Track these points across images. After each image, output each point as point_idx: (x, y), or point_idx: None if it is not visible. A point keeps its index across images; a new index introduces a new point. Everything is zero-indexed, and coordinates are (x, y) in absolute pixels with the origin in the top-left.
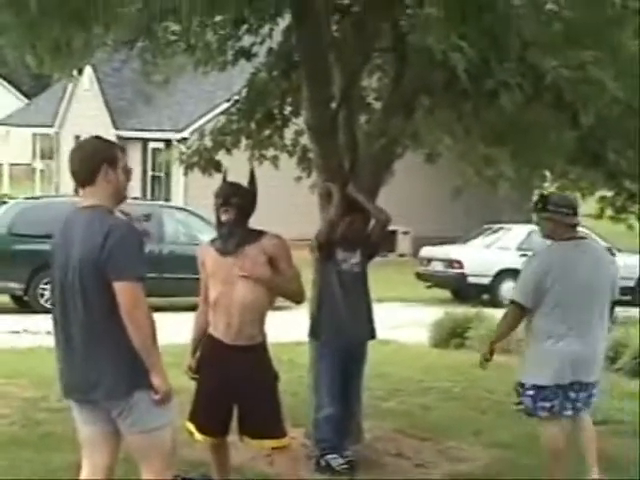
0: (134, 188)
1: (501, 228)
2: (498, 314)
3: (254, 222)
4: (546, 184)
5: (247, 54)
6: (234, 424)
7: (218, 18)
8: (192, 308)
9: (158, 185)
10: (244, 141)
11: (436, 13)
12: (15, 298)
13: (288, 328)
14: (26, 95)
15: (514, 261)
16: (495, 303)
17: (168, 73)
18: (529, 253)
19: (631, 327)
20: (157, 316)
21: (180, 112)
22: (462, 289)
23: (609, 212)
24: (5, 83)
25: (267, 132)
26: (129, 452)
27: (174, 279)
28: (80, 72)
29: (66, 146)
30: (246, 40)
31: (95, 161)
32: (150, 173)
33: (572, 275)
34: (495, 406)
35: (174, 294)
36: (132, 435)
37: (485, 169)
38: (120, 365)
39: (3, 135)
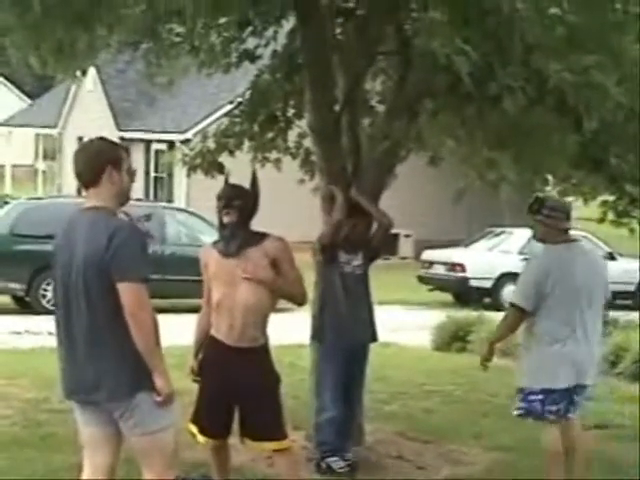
0: (136, 189)
1: (503, 232)
2: (500, 317)
3: (256, 224)
4: (548, 188)
5: (251, 56)
6: (235, 426)
7: (222, 20)
8: (194, 310)
9: (160, 186)
10: (247, 143)
11: (440, 17)
12: (16, 299)
13: (290, 330)
14: (29, 96)
15: (516, 265)
16: (497, 306)
17: (172, 75)
18: (530, 256)
19: (632, 331)
20: (159, 318)
21: (183, 114)
22: (464, 292)
23: (611, 216)
24: (8, 83)
25: (270, 134)
26: (131, 453)
27: (176, 281)
28: (84, 73)
29: (69, 147)
30: (250, 42)
31: (100, 162)
32: (153, 174)
33: (570, 277)
34: (496, 409)
35: (176, 296)
36: (134, 437)
37: (488, 172)
38: (123, 366)
39: (6, 136)
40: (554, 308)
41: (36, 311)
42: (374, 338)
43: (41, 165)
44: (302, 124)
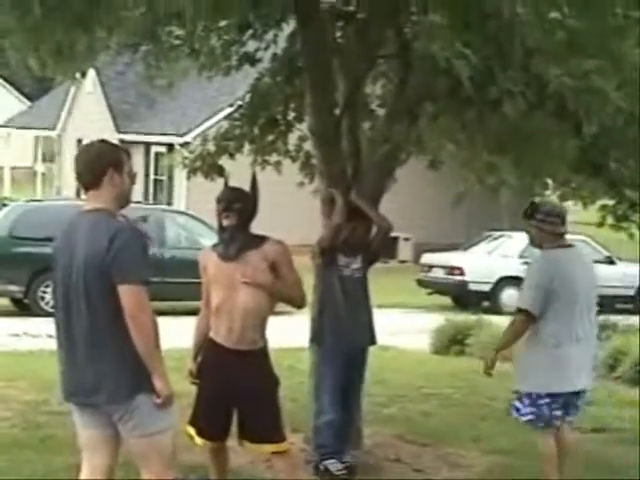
0: (136, 192)
1: (502, 235)
2: (499, 321)
3: (255, 228)
4: (548, 192)
5: (251, 59)
6: (234, 428)
7: (222, 23)
8: (193, 312)
9: (160, 189)
10: (247, 146)
11: (440, 20)
12: (15, 301)
13: (289, 333)
14: (28, 97)
15: (515, 268)
16: (496, 310)
17: (172, 77)
18: (530, 261)
19: (631, 335)
20: (159, 320)
21: (183, 116)
22: (463, 296)
23: (610, 220)
24: (7, 85)
25: (270, 137)
26: (129, 456)
27: (175, 283)
28: (83, 75)
29: (68, 149)
30: (250, 45)
31: (101, 164)
32: (152, 177)
33: (571, 281)
34: (495, 413)
35: (175, 298)
36: (133, 439)
37: (487, 176)
38: (123, 368)
39: (5, 137)
40: (559, 312)
41: (35, 313)
42: (373, 341)
43: (40, 167)
44: (302, 127)
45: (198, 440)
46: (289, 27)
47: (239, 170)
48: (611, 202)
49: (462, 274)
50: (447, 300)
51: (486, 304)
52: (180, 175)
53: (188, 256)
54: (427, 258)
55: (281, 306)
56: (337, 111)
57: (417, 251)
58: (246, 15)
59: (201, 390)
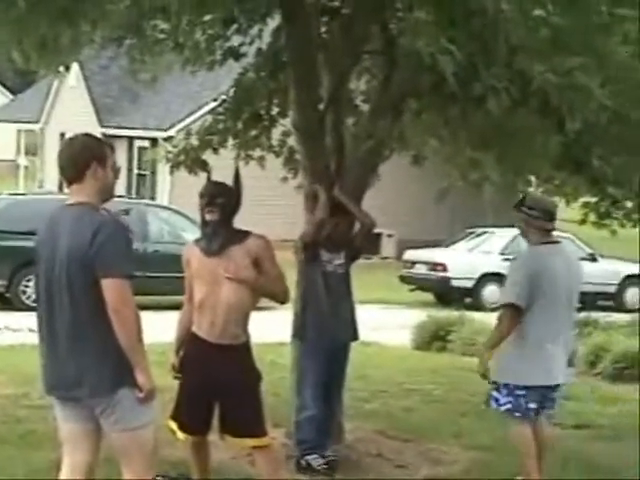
0: (119, 186)
1: (485, 232)
2: (481, 317)
3: (238, 222)
4: (531, 189)
5: (236, 54)
6: (215, 423)
7: (207, 17)
8: (176, 307)
9: (143, 183)
10: (231, 141)
11: (425, 17)
12: None
13: (271, 328)
14: (11, 91)
15: (497, 265)
16: (478, 307)
17: (156, 71)
18: (512, 257)
19: (612, 332)
20: (141, 315)
21: (166, 111)
22: (445, 292)
23: (592, 218)
24: None
25: (254, 132)
26: (110, 452)
27: (158, 278)
28: (67, 69)
29: (51, 143)
30: (235, 40)
31: (84, 158)
32: (135, 171)
33: (554, 278)
34: (476, 409)
35: (158, 293)
36: (115, 433)
37: (471, 173)
38: (105, 362)
39: None
40: (542, 307)
41: (16, 308)
42: (355, 337)
43: (23, 161)
44: (286, 122)
45: (180, 434)
46: (274, 22)
47: (223, 164)
48: (593, 199)
49: (444, 270)
50: (429, 296)
51: (468, 300)
52: (163, 170)
53: (171, 251)
54: (410, 254)
55: (264, 301)
56: (321, 106)
57: (400, 247)
58: (231, 9)
59: (183, 384)
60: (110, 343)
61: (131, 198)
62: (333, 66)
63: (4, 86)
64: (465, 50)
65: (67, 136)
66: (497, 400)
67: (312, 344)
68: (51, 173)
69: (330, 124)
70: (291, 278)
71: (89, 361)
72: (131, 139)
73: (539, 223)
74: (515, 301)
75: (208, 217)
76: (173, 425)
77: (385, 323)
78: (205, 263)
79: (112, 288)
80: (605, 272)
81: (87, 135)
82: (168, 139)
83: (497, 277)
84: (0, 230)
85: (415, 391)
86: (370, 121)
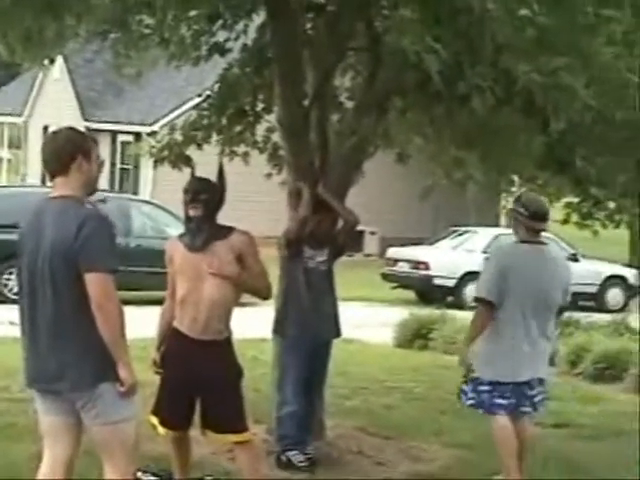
0: (102, 180)
1: (468, 231)
2: (462, 316)
3: (222, 218)
4: (514, 189)
5: (221, 50)
6: (196, 418)
7: (193, 12)
8: (158, 302)
9: (126, 178)
10: (215, 136)
11: (411, 15)
12: None
13: (253, 325)
14: None
15: (479, 264)
16: (460, 305)
17: (140, 66)
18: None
19: (593, 332)
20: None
21: (151, 106)
22: (427, 291)
23: (575, 218)
24: None
25: (238, 128)
26: (91, 446)
27: (140, 273)
28: (52, 62)
29: (34, 136)
30: (220, 35)
31: (69, 151)
32: (119, 166)
33: (524, 277)
34: (456, 407)
35: (140, 288)
36: (96, 427)
37: (455, 171)
38: (87, 356)
39: None
40: (512, 305)
41: None
42: (338, 334)
43: (6, 154)
44: (271, 118)
45: (161, 430)
46: (259, 18)
47: (207, 160)
48: (576, 200)
49: (427, 269)
50: (411, 294)
51: (450, 299)
52: (146, 164)
53: (153, 246)
54: (392, 252)
55: (246, 297)
56: (306, 103)
57: (383, 245)
58: (216, 5)
59: (164, 379)
60: (92, 337)
61: (114, 192)
62: (318, 62)
63: None
64: (450, 49)
65: (50, 129)
66: (465, 394)
67: (293, 340)
68: (34, 166)
69: (314, 120)
70: (274, 274)
71: (71, 355)
72: (115, 133)
73: (528, 222)
74: (486, 296)
75: (192, 213)
76: (154, 420)
77: (367, 321)
78: (188, 258)
79: (95, 282)
80: (587, 272)
81: (71, 129)
82: (152, 134)
83: (479, 276)
84: None
85: (396, 389)
86: (354, 118)
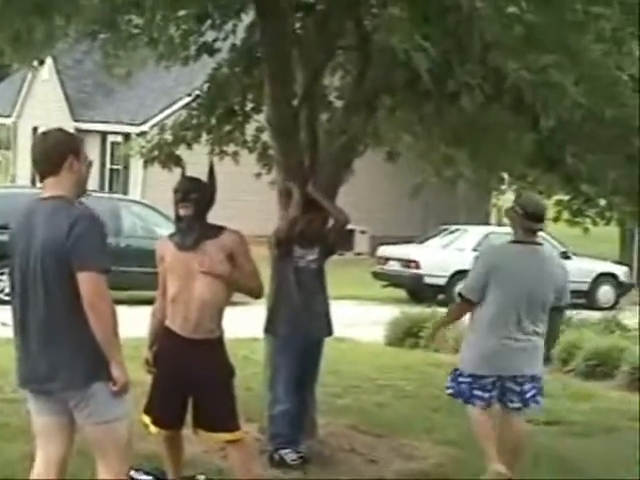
0: (92, 181)
1: (458, 229)
2: None
3: (212, 218)
4: (503, 187)
5: (210, 49)
6: (188, 417)
7: (181, 12)
8: (149, 302)
9: (116, 178)
10: (205, 136)
11: (400, 13)
12: None
13: (244, 324)
14: None
15: (470, 262)
16: (450, 303)
17: (130, 66)
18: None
19: (584, 330)
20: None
21: (140, 106)
22: (418, 289)
23: (565, 215)
24: None
25: (228, 128)
26: (84, 445)
27: (131, 273)
28: (41, 63)
29: (23, 137)
30: (209, 35)
31: (61, 152)
32: (108, 166)
33: (511, 276)
34: (448, 405)
35: (131, 288)
36: (89, 426)
37: (445, 169)
38: (79, 356)
39: None
40: (504, 303)
41: None
42: (329, 332)
43: None
44: (260, 118)
45: (153, 429)
46: (248, 17)
47: (197, 160)
48: (567, 197)
49: (418, 267)
50: (402, 293)
51: (441, 297)
52: (136, 164)
53: (144, 245)
54: (383, 251)
55: (237, 297)
56: (295, 102)
57: (373, 244)
58: (205, 5)
59: (156, 379)
60: (84, 337)
61: (104, 193)
62: (307, 62)
63: None
64: (439, 47)
65: (40, 130)
66: (448, 383)
67: (285, 339)
68: (24, 168)
69: (304, 120)
70: (266, 273)
71: (63, 355)
72: (104, 134)
73: (524, 222)
74: (466, 294)
75: (182, 212)
76: (146, 419)
77: (358, 319)
78: (179, 258)
79: (88, 282)
80: (578, 270)
81: (60, 129)
82: (141, 134)
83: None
84: None
85: (388, 387)
86: (344, 117)
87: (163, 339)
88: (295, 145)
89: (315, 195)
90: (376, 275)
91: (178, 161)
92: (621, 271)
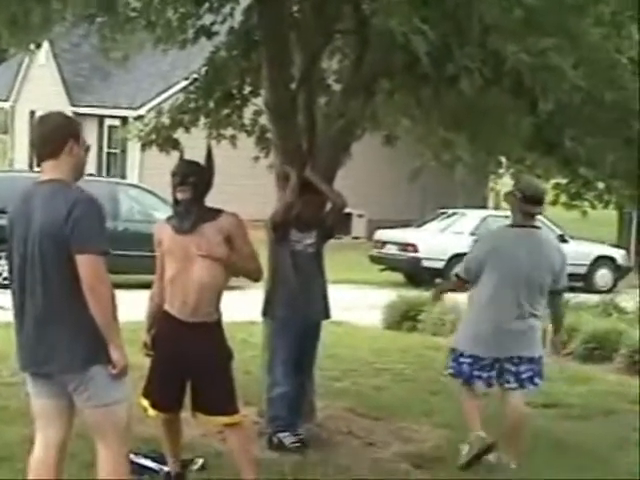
0: (89, 165)
1: (455, 213)
2: (451, 298)
3: (210, 201)
4: (501, 170)
5: (208, 33)
6: (187, 400)
7: None
8: (146, 286)
9: (114, 162)
10: (202, 120)
11: None
12: None
13: (242, 308)
14: None
15: (468, 246)
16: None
17: (127, 50)
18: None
19: (582, 313)
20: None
21: (137, 90)
22: (416, 273)
23: (563, 199)
24: None
25: (226, 111)
26: (83, 428)
27: (128, 256)
28: (38, 47)
29: (21, 121)
30: (207, 18)
31: (61, 135)
32: (106, 150)
33: (509, 259)
34: (446, 388)
35: (129, 271)
36: (88, 409)
37: (443, 153)
38: (78, 339)
39: None
40: (495, 284)
41: None
42: (327, 315)
43: None
44: (258, 101)
45: (151, 412)
46: (245, 0)
47: (195, 143)
48: (565, 181)
49: (415, 251)
50: (399, 277)
51: (438, 281)
52: (134, 148)
53: (141, 229)
54: (380, 234)
55: (235, 281)
56: (293, 86)
57: (371, 227)
58: None
59: (155, 362)
60: (83, 320)
61: (101, 177)
62: (305, 45)
63: None
64: (438, 30)
65: (37, 114)
66: (450, 363)
67: (283, 322)
68: (21, 151)
69: (302, 103)
70: (264, 256)
71: (61, 338)
72: (101, 118)
73: (523, 206)
74: (460, 273)
75: (180, 196)
76: (145, 402)
77: (356, 303)
78: (177, 241)
79: (87, 264)
80: (575, 253)
81: (59, 113)
82: (139, 118)
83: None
84: None
85: (385, 370)
86: (342, 101)
87: (161, 322)
88: (293, 128)
89: (313, 178)
90: (373, 259)
91: (176, 145)
92: (619, 254)
